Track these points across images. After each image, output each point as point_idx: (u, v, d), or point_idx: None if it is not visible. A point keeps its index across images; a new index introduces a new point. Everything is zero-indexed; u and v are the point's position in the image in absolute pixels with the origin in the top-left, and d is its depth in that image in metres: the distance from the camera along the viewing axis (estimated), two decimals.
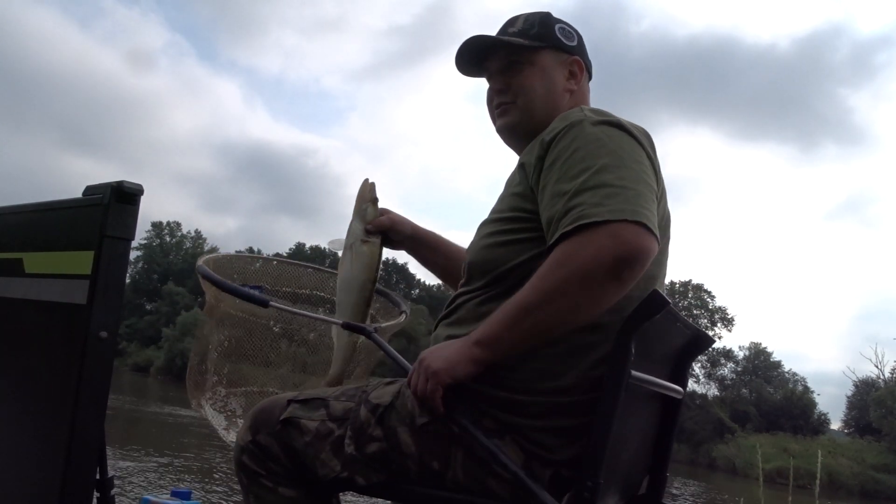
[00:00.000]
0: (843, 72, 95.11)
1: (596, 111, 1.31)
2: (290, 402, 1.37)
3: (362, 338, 1.57)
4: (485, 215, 1.42)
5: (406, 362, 1.35)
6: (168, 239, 64.78)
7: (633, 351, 1.15)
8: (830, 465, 27.76)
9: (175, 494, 2.63)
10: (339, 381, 1.63)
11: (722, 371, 43.82)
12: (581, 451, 1.18)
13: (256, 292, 1.58)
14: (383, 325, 1.68)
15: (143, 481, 8.07)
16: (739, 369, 44.06)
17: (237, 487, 1.42)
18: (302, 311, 1.65)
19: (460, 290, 1.39)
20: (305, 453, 1.32)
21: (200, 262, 1.68)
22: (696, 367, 40.72)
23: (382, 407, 1.31)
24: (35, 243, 1.54)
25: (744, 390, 42.37)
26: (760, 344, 45.08)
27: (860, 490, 28.97)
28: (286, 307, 1.64)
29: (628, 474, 1.38)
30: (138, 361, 47.82)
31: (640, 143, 1.26)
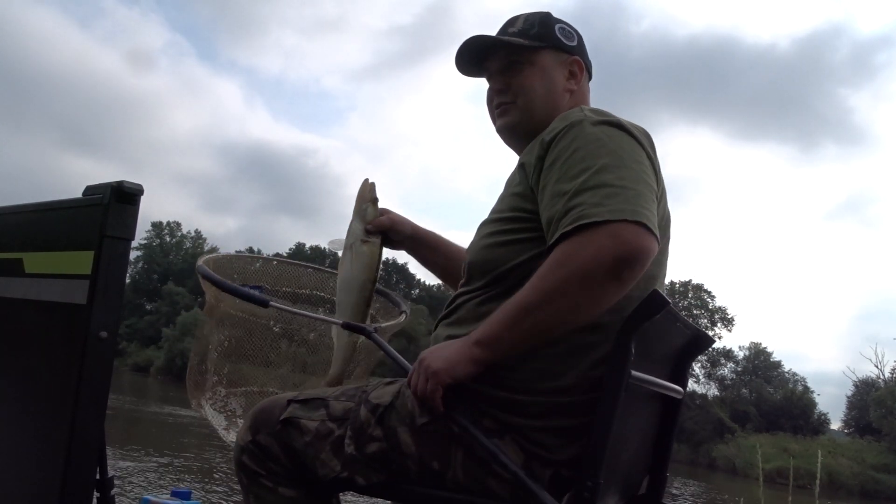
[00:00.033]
0: (843, 72, 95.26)
1: (596, 111, 1.31)
2: (290, 402, 1.37)
3: (362, 338, 1.58)
4: (485, 215, 1.42)
5: (406, 362, 1.35)
6: (168, 239, 64.79)
7: (633, 351, 1.15)
8: (830, 465, 27.76)
9: (175, 494, 2.63)
10: (340, 381, 1.63)
11: (722, 371, 43.87)
12: (581, 451, 1.18)
13: (256, 292, 1.58)
14: (383, 325, 1.68)
15: (143, 481, 8.07)
16: (739, 369, 44.08)
17: (237, 487, 1.42)
18: (302, 311, 1.65)
19: (460, 291, 1.39)
20: (305, 453, 1.32)
21: (200, 261, 1.68)
22: (696, 367, 40.74)
23: (382, 407, 1.31)
24: (35, 243, 1.54)
25: (744, 390, 42.37)
26: (760, 344, 45.18)
27: (860, 490, 28.97)
28: (286, 307, 1.64)
29: (628, 474, 1.38)
30: (138, 361, 47.82)
31: (640, 143, 1.26)
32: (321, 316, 1.75)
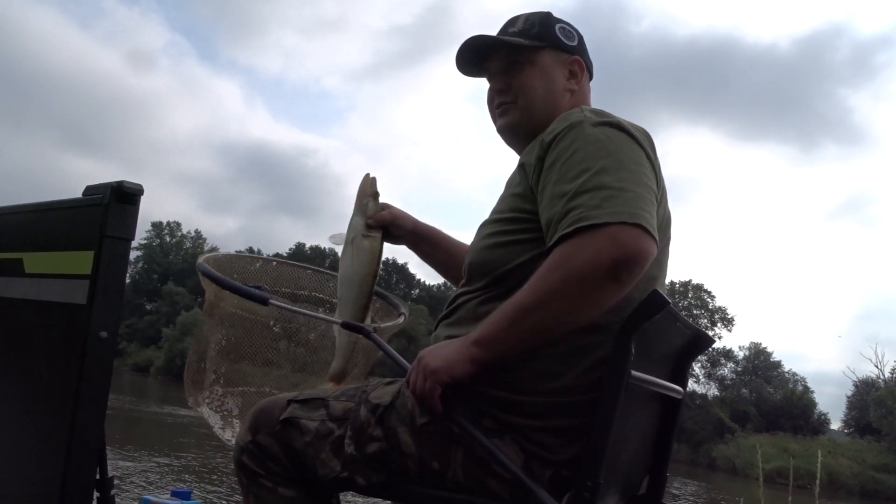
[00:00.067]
0: (844, 72, 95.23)
1: (596, 112, 1.31)
2: (289, 402, 1.37)
3: (361, 337, 1.57)
4: (485, 215, 1.42)
5: (406, 362, 1.35)
6: (168, 239, 64.81)
7: (633, 351, 1.15)
8: (830, 465, 27.76)
9: (175, 494, 2.63)
10: (343, 376, 1.62)
11: (722, 371, 43.88)
12: (581, 451, 1.18)
13: (256, 290, 1.58)
14: (382, 325, 1.68)
15: (143, 481, 8.07)
16: (739, 369, 44.08)
17: (237, 487, 1.42)
18: (302, 310, 1.65)
19: (460, 291, 1.39)
20: (305, 453, 1.32)
21: (201, 259, 1.68)
22: (696, 367, 40.75)
23: (382, 407, 1.31)
24: (35, 243, 1.54)
25: (744, 390, 42.37)
26: (760, 344, 45.19)
27: (860, 490, 28.97)
28: (286, 305, 1.64)
29: (628, 474, 1.38)
30: (138, 361, 47.82)
31: (640, 145, 1.26)
32: (321, 315, 1.75)
